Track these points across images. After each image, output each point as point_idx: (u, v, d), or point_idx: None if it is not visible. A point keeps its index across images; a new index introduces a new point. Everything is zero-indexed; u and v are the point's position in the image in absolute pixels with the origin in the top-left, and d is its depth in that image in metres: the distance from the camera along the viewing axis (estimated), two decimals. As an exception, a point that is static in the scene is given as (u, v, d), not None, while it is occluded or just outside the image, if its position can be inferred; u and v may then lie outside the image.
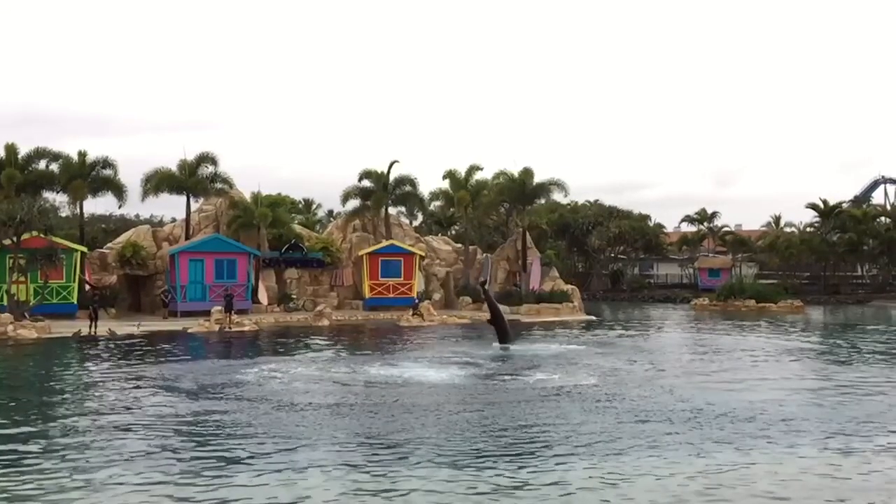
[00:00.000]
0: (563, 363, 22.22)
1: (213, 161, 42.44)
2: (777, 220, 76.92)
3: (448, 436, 13.00)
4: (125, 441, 12.57)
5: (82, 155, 40.63)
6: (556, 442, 12.66)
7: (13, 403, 16.35)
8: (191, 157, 42.19)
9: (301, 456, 11.66)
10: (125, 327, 32.19)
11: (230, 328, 32.78)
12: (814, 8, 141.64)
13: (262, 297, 40.51)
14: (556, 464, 11.35)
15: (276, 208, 44.12)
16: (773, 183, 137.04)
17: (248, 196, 44.54)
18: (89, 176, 40.46)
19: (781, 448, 12.30)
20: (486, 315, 28.08)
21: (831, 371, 21.51)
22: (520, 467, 11.14)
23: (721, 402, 15.88)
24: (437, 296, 44.87)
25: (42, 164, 40.14)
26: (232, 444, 12.47)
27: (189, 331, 32.39)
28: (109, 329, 30.94)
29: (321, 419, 14.40)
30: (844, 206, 69.51)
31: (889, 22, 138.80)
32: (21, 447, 12.27)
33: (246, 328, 33.26)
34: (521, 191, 46.79)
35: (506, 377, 19.59)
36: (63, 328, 30.93)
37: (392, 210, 48.09)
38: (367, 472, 10.85)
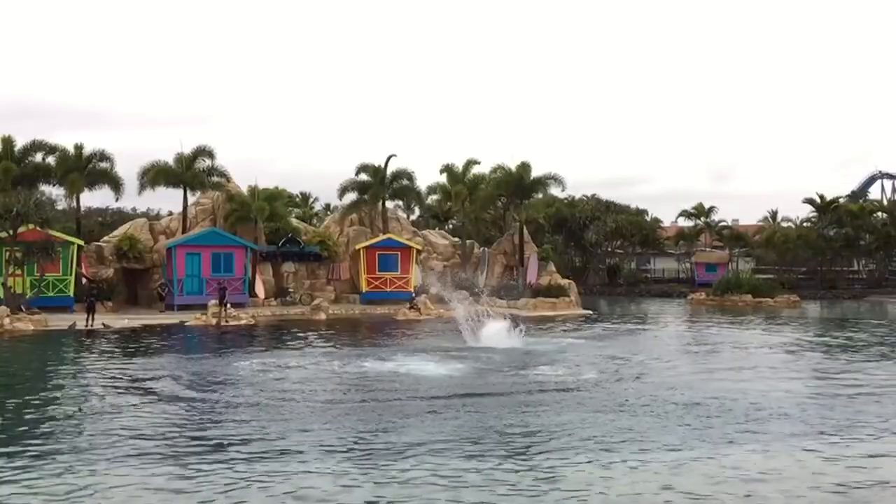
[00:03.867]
0: (562, 357, 22.24)
1: (210, 154, 42.47)
2: (774, 215, 76.92)
3: (447, 430, 12.99)
4: (118, 436, 12.52)
5: (79, 148, 40.57)
6: (557, 437, 12.64)
7: (7, 397, 16.31)
8: (188, 150, 42.26)
9: (295, 451, 11.66)
10: (120, 321, 32.18)
11: (226, 321, 32.76)
12: (810, 3, 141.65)
13: (259, 290, 40.50)
14: (558, 459, 11.35)
15: (273, 202, 44.09)
16: (770, 178, 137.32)
17: (245, 190, 44.55)
18: (86, 169, 40.40)
19: (779, 445, 12.35)
20: (482, 309, 27.95)
21: (827, 366, 21.55)
22: (522, 462, 11.15)
23: (719, 397, 15.95)
24: (433, 290, 44.86)
25: (38, 157, 40.07)
26: (227, 438, 12.48)
27: (186, 324, 32.39)
28: (104, 323, 30.94)
29: (316, 414, 14.41)
30: (841, 201, 69.46)
31: (886, 18, 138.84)
32: (14, 442, 12.27)
33: (242, 322, 33.27)
34: (518, 185, 46.79)
35: (506, 371, 19.60)
36: (60, 321, 30.92)
37: (389, 204, 48.11)
38: (362, 468, 10.86)
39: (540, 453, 11.64)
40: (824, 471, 10.93)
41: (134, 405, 15.07)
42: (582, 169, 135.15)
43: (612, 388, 17.11)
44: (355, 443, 12.17)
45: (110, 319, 32.22)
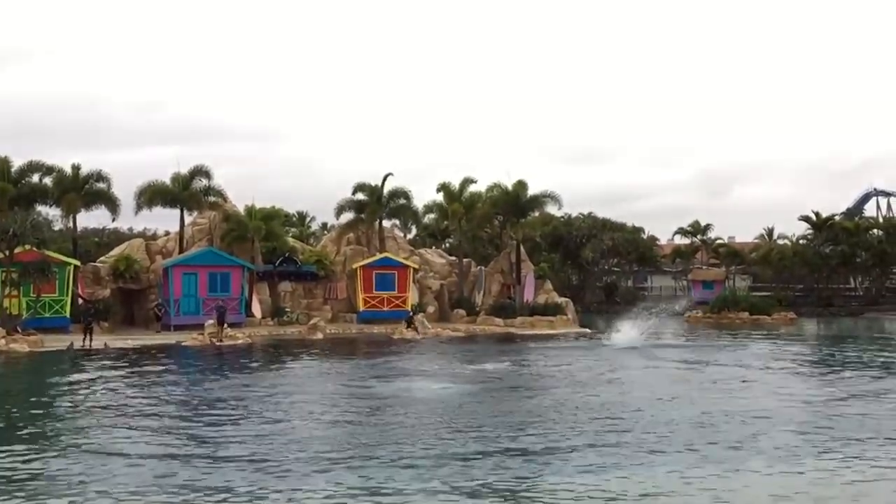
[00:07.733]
0: (573, 377, 22.17)
1: (207, 174, 42.56)
2: (770, 232, 77.24)
3: (447, 452, 12.88)
4: (116, 460, 12.37)
5: (76, 168, 40.58)
6: (588, 455, 12.63)
7: (4, 420, 16.20)
8: (184, 170, 42.29)
9: (294, 475, 11.53)
10: (117, 341, 32.09)
11: (222, 341, 32.67)
12: (806, 19, 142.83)
13: (256, 310, 40.43)
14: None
15: (270, 221, 44.05)
16: (766, 195, 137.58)
17: (241, 209, 44.55)
18: (82, 189, 40.39)
19: (779, 466, 12.34)
20: (480, 328, 28.14)
21: (828, 384, 21.52)
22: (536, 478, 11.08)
23: (732, 413, 16.05)
24: (431, 308, 44.83)
25: (35, 178, 40.06)
26: (231, 461, 12.37)
27: (182, 344, 32.28)
28: (106, 343, 30.90)
29: (314, 434, 14.33)
30: (837, 218, 69.85)
31: (880, 32, 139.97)
32: (6, 468, 12.16)
33: (239, 341, 33.17)
34: (514, 203, 46.85)
35: (511, 389, 19.50)
36: (56, 342, 30.79)
37: (386, 223, 48.17)
38: (364, 491, 10.79)
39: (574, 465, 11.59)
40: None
41: (126, 429, 14.87)
42: (578, 186, 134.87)
43: (625, 408, 16.91)
44: (360, 466, 12.02)
45: (109, 340, 32.11)
